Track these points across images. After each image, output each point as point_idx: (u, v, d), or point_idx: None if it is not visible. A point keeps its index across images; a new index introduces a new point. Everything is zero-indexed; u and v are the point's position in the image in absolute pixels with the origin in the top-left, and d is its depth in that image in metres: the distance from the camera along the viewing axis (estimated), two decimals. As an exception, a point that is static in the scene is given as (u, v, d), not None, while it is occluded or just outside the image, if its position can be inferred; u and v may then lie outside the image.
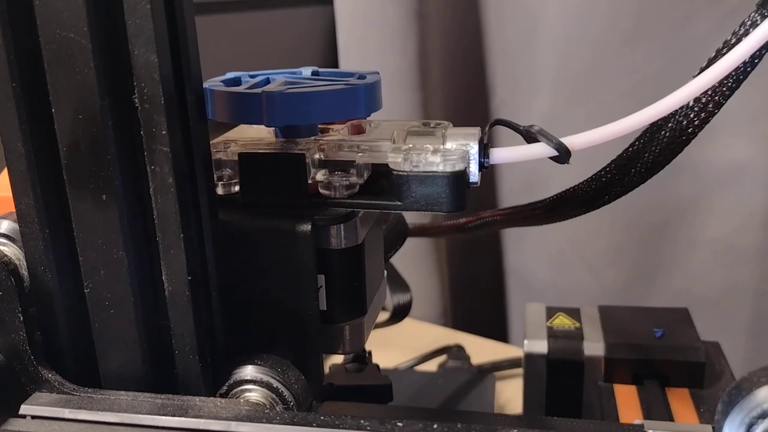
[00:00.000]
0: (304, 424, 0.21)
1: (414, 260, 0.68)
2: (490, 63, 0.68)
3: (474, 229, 0.39)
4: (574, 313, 0.39)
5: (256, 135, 0.28)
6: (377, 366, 0.37)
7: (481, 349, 0.55)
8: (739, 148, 0.57)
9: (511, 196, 0.69)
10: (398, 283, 0.43)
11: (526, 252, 0.69)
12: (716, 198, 0.60)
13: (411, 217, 0.59)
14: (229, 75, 0.28)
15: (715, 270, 0.61)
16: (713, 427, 0.21)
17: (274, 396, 0.24)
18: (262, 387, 0.24)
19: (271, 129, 0.28)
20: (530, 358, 0.37)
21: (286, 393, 0.23)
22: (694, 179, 0.59)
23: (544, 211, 0.32)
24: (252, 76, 0.28)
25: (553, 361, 0.37)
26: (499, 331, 0.73)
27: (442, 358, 0.53)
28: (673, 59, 0.57)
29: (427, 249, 0.69)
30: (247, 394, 0.24)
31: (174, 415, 0.22)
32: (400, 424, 0.21)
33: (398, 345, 0.53)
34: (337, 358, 0.38)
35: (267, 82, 0.27)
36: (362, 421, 0.21)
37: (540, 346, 0.37)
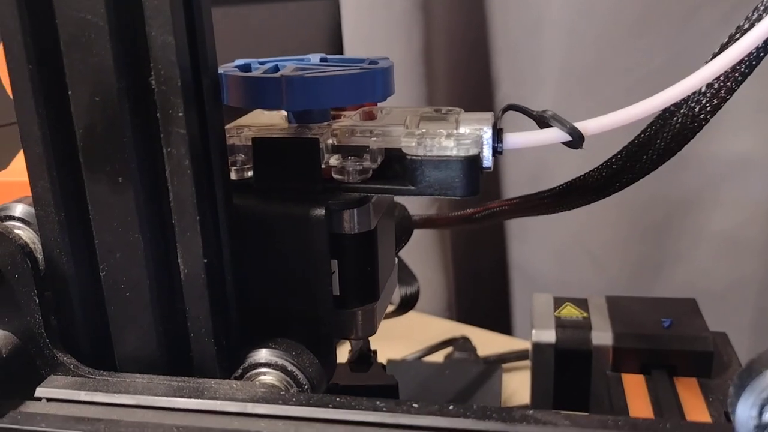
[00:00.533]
0: (320, 406, 0.21)
1: (419, 253, 0.68)
2: (494, 57, 0.68)
3: (481, 219, 0.39)
4: (581, 304, 0.39)
5: (268, 121, 0.28)
6: (383, 366, 0.37)
7: (486, 342, 0.56)
8: (745, 140, 0.57)
9: (515, 189, 0.69)
10: (405, 273, 0.43)
11: (530, 246, 0.69)
12: (721, 191, 0.60)
13: (417, 209, 0.59)
14: (238, 62, 0.28)
15: (720, 263, 0.61)
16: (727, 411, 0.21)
17: (288, 379, 0.24)
18: (277, 370, 0.24)
19: (284, 115, 0.28)
20: (538, 347, 0.37)
21: (300, 376, 0.24)
22: (699, 172, 0.59)
23: (554, 200, 0.32)
24: (261, 63, 0.28)
25: (561, 351, 0.37)
26: (503, 325, 0.73)
27: (449, 349, 0.53)
28: (678, 54, 0.57)
29: (432, 242, 0.69)
30: (261, 377, 0.24)
31: (190, 397, 0.22)
32: (415, 405, 0.21)
33: (404, 337, 0.53)
34: (341, 358, 0.38)
35: (276, 68, 0.28)
36: (378, 402, 0.21)
37: (548, 335, 0.37)
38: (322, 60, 0.29)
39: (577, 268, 0.66)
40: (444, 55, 0.67)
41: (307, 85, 0.24)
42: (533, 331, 0.37)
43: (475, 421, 0.20)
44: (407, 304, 0.43)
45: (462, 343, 0.53)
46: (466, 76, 0.70)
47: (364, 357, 0.36)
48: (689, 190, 0.60)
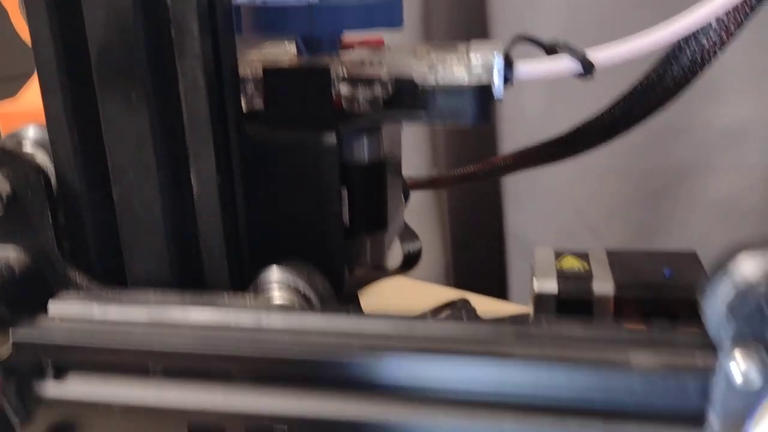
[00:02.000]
0: (337, 314, 0.21)
1: (416, 220, 0.67)
2: (493, 28, 0.68)
3: (485, 175, 0.39)
4: (582, 256, 0.39)
5: (276, 54, 0.28)
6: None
7: (484, 306, 0.55)
8: (743, 107, 0.57)
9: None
10: (407, 232, 0.44)
11: (527, 214, 0.69)
12: (719, 159, 0.60)
13: (419, 170, 0.58)
14: None
15: (718, 231, 0.61)
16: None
17: (300, 300, 0.24)
18: (288, 290, 0.24)
19: (293, 46, 0.28)
20: (540, 298, 0.37)
21: (311, 295, 0.24)
22: (697, 140, 0.59)
23: (561, 147, 0.32)
24: None
25: (563, 301, 0.37)
26: (499, 292, 0.73)
27: (449, 312, 0.53)
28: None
29: (429, 209, 0.69)
30: (273, 294, 0.24)
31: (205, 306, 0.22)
32: (431, 321, 0.21)
33: (402, 302, 0.53)
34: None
35: None
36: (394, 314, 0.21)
37: (550, 286, 0.37)
38: None
39: (574, 237, 0.66)
40: (443, 24, 0.67)
41: (333, 11, 0.24)
42: (535, 281, 0.37)
43: (486, 327, 0.20)
44: (411, 262, 0.43)
45: (462, 305, 0.53)
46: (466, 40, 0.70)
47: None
48: (687, 159, 0.60)
